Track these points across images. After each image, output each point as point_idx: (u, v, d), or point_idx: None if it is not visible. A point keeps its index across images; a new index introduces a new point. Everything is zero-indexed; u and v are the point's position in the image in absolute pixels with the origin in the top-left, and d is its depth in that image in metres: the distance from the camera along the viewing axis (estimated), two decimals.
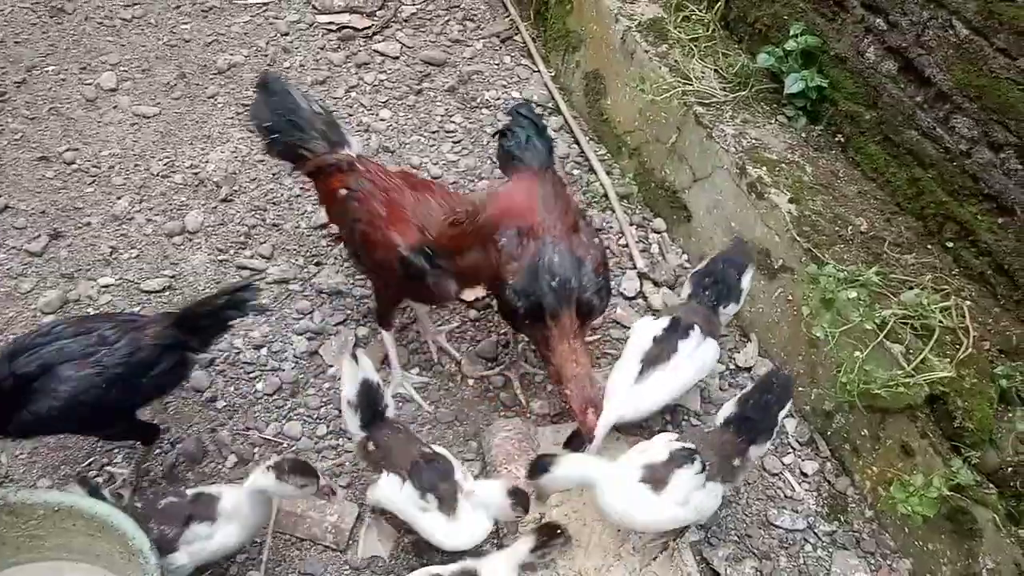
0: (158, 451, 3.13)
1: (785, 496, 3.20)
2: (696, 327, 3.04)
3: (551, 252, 3.00)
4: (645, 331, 3.09)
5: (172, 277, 3.73)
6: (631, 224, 4.10)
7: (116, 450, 3.13)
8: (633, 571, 2.85)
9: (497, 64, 4.92)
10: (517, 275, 3.01)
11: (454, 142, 4.47)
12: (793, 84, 3.65)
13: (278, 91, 3.38)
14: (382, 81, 4.76)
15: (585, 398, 2.87)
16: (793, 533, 3.09)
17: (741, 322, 3.66)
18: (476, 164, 4.37)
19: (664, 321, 3.07)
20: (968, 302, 3.03)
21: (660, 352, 2.99)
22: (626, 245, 4.00)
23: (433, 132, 4.52)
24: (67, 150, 4.24)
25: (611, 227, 4.10)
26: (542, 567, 2.57)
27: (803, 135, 3.72)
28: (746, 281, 3.21)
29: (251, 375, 3.41)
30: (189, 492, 2.62)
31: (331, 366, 3.47)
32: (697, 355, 3.04)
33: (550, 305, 2.96)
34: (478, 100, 4.69)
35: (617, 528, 2.89)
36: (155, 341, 2.74)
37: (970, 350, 2.88)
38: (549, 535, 2.54)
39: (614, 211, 4.14)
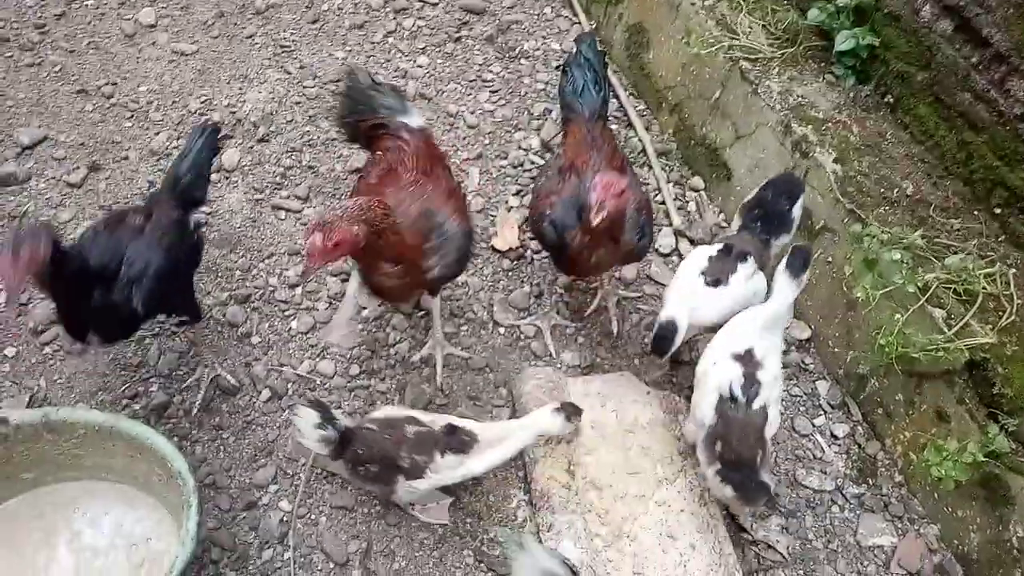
0: (194, 385, 3.16)
1: (814, 457, 3.19)
2: (751, 256, 3.01)
3: (590, 184, 2.90)
4: (701, 253, 3.10)
5: (209, 214, 3.74)
6: (668, 181, 4.05)
7: (152, 379, 3.17)
8: (661, 521, 2.87)
9: (537, 14, 4.83)
10: (555, 207, 3.00)
11: (491, 91, 4.42)
12: (843, 42, 3.56)
13: (353, 83, 3.38)
14: (420, 27, 4.71)
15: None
16: (821, 494, 3.09)
17: None
18: (513, 115, 4.32)
19: (719, 246, 3.06)
20: (1013, 269, 2.98)
21: (719, 271, 2.98)
22: (663, 202, 3.96)
23: (471, 81, 4.47)
24: (106, 84, 4.24)
25: (648, 184, 4.05)
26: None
27: (851, 95, 3.64)
28: (797, 210, 3.15)
29: (286, 313, 3.43)
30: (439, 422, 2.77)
31: (364, 308, 3.48)
32: (751, 283, 3.01)
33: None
34: (517, 50, 4.62)
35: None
36: (173, 205, 2.92)
37: (1013, 317, 2.84)
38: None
39: (651, 167, 4.09)
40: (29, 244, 2.31)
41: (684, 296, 2.97)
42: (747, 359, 2.76)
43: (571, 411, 2.86)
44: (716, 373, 2.77)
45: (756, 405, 2.70)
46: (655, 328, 2.95)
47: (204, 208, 3.54)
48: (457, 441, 2.71)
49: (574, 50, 3.54)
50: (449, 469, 2.70)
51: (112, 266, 2.59)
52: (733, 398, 2.71)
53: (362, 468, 2.69)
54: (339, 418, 2.69)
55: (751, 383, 2.71)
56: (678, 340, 2.92)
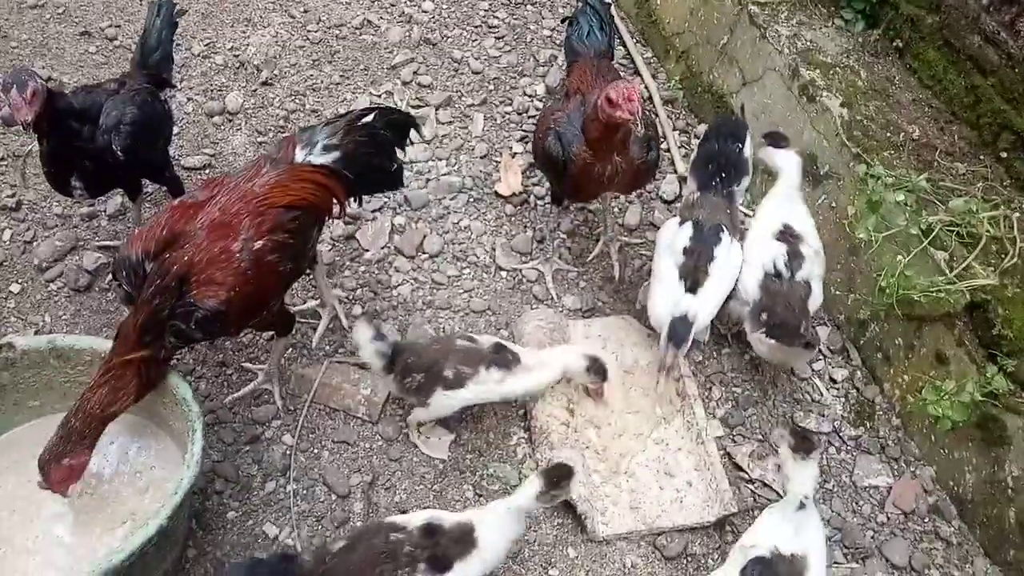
0: None
1: (812, 400, 3.20)
2: (724, 228, 3.00)
3: (591, 98, 2.96)
4: (675, 239, 3.02)
5: (212, 156, 3.74)
6: (674, 129, 4.04)
7: None
8: (659, 458, 2.90)
9: None
10: (559, 123, 3.03)
11: (497, 37, 4.39)
12: None
13: None
14: None
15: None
16: (818, 435, 3.11)
17: None
18: (518, 61, 4.29)
19: (689, 228, 3.00)
20: (1017, 213, 2.96)
21: (696, 264, 2.94)
22: (668, 149, 3.94)
23: (476, 27, 4.43)
24: (109, 26, 4.22)
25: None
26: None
27: (860, 39, 3.61)
28: (748, 150, 3.17)
29: None
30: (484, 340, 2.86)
31: (367, 250, 3.49)
32: (731, 258, 3.00)
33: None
34: None
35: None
36: (143, 79, 3.14)
37: (1015, 260, 2.83)
38: (558, 478, 2.39)
39: (657, 115, 4.06)
40: (31, 81, 2.57)
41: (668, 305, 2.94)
42: (788, 235, 2.98)
43: (596, 367, 2.85)
44: (760, 251, 2.99)
45: (799, 278, 2.93)
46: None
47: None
48: (503, 358, 2.78)
49: (580, 3, 3.54)
50: (493, 383, 2.78)
51: (93, 111, 2.86)
52: (778, 273, 2.93)
53: (409, 379, 2.76)
54: (388, 334, 2.78)
55: (794, 258, 2.94)
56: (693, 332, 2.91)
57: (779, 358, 3.05)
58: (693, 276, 2.93)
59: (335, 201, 2.78)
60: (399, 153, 2.99)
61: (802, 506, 2.46)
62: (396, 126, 2.94)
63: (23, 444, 2.60)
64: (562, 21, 3.89)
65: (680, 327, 2.87)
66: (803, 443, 2.52)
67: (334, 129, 2.79)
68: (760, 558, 2.35)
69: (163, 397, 2.49)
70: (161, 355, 2.42)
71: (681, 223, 3.06)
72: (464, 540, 2.29)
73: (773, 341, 2.89)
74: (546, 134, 3.05)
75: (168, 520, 2.16)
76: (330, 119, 2.89)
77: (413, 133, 3.08)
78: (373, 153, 2.84)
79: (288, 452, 2.91)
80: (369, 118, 2.83)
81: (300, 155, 2.72)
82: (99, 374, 2.35)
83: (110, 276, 3.15)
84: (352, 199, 2.94)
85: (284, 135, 3.36)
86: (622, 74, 4.17)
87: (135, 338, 2.35)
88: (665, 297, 2.96)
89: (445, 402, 2.79)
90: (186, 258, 2.38)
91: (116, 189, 3.24)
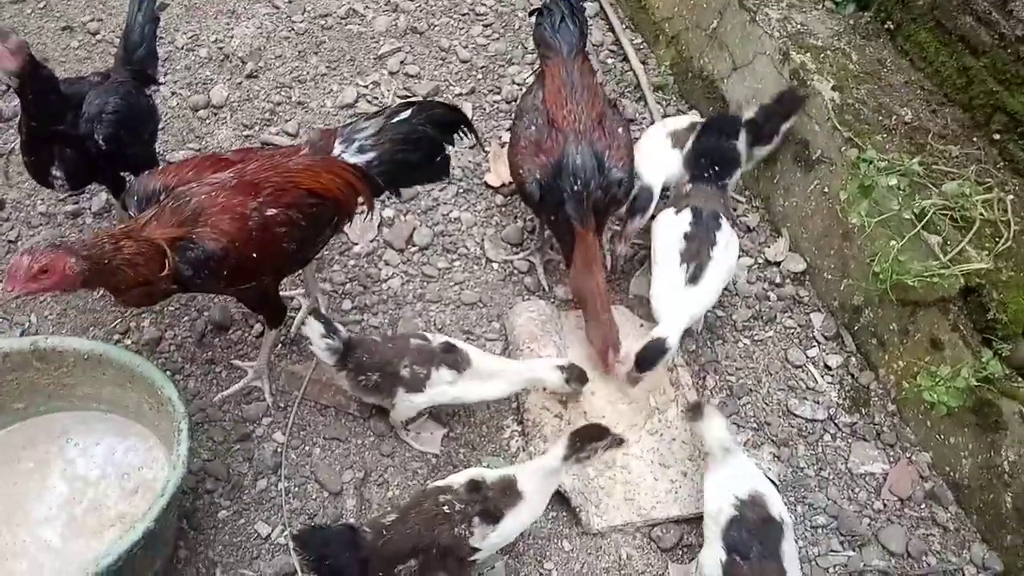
0: (187, 318, 3.16)
1: (807, 387, 3.18)
2: (721, 215, 2.99)
3: (574, 152, 2.97)
4: (672, 229, 3.02)
5: (197, 150, 3.70)
6: (664, 115, 3.99)
7: (143, 314, 3.16)
8: (653, 449, 2.88)
9: None
10: (543, 169, 3.00)
11: (484, 25, 4.34)
12: None
13: None
14: None
15: (605, 340, 2.92)
16: (813, 423, 3.09)
17: (773, 216, 3.59)
18: (507, 49, 4.24)
19: (688, 214, 3.00)
20: (1011, 195, 2.94)
21: (698, 248, 2.94)
22: None
23: (463, 14, 4.38)
24: (91, 20, 4.17)
25: (644, 118, 3.99)
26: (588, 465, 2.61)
27: (851, 22, 3.56)
28: (742, 144, 3.15)
29: None
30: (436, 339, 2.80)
31: (355, 244, 3.46)
32: (731, 245, 3.01)
33: (572, 213, 2.96)
34: None
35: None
36: (128, 75, 3.11)
37: (1010, 243, 2.81)
38: (583, 440, 2.40)
39: (647, 102, 4.02)
40: (13, 35, 2.54)
41: (675, 305, 2.93)
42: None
43: (575, 374, 2.79)
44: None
45: None
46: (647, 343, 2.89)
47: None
48: (453, 359, 2.73)
49: None
50: (445, 384, 2.72)
51: (76, 100, 2.83)
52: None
53: (363, 377, 2.71)
54: (340, 329, 2.72)
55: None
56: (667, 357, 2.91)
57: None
58: (697, 260, 2.93)
59: (360, 201, 2.79)
60: (446, 147, 2.92)
61: (727, 452, 2.55)
62: (439, 122, 2.87)
63: (8, 447, 2.58)
64: (530, 14, 3.77)
65: (652, 352, 2.86)
66: (693, 410, 2.65)
67: (373, 127, 2.76)
68: (732, 517, 2.43)
69: (148, 398, 2.46)
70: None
71: (678, 211, 3.05)
72: (510, 492, 2.39)
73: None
74: (527, 176, 3.03)
75: (155, 523, 2.13)
76: (372, 114, 2.84)
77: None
78: (410, 150, 2.80)
79: (279, 449, 2.88)
80: (405, 114, 2.78)
81: (338, 148, 2.74)
82: None
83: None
84: (391, 192, 2.97)
85: (324, 128, 3.28)
86: (612, 69, 4.15)
87: None
88: (669, 285, 2.97)
89: (408, 404, 2.75)
90: (204, 195, 2.41)
91: (98, 185, 3.19)
